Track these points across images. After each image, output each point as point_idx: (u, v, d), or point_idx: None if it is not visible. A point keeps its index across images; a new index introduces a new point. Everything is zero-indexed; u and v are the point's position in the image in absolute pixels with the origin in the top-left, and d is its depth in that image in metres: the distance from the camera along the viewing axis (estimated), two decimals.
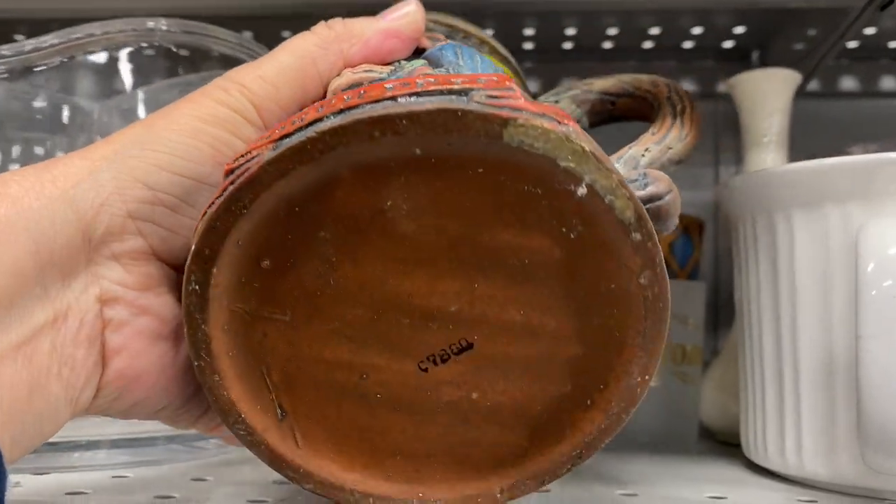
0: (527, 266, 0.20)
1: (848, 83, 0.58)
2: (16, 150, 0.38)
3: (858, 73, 0.57)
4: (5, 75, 0.32)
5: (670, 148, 0.25)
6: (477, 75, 0.19)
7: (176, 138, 0.21)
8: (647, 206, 0.21)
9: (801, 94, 0.45)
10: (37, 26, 0.52)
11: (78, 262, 0.20)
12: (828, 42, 0.49)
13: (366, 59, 0.23)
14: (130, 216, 0.20)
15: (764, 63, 0.56)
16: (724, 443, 0.42)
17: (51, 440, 0.33)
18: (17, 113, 0.36)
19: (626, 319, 0.20)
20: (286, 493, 0.28)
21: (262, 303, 0.20)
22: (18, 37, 0.54)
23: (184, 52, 0.36)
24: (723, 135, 0.57)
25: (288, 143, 0.18)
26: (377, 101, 0.18)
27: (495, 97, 0.18)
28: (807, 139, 0.50)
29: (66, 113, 0.37)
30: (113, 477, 0.32)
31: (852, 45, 0.55)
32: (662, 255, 0.20)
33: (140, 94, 0.38)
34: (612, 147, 0.26)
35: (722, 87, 0.57)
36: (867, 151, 0.47)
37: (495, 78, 0.19)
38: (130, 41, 0.32)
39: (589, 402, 0.21)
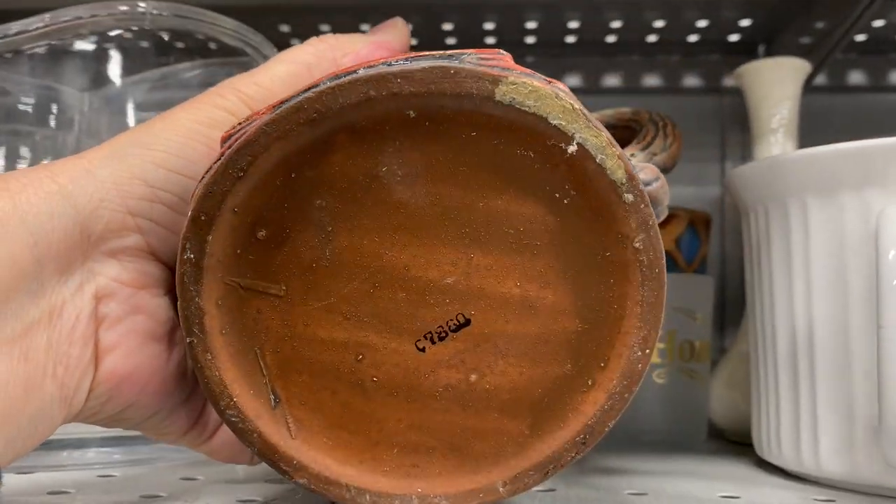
0: (522, 235, 0.20)
1: (856, 77, 0.57)
2: (1, 143, 0.37)
3: (866, 67, 0.56)
4: None
5: (655, 154, 0.26)
6: (470, 51, 0.19)
7: (173, 138, 0.21)
8: None
9: (808, 88, 0.44)
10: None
11: (75, 257, 0.20)
12: (835, 35, 0.48)
13: None
14: (129, 213, 0.20)
15: (770, 56, 0.55)
16: (733, 441, 0.41)
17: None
18: (2, 104, 0.36)
19: (623, 289, 0.20)
20: (278, 492, 0.27)
21: (257, 276, 0.20)
22: None
23: (178, 44, 0.35)
24: (729, 130, 0.56)
25: (286, 105, 0.19)
26: (372, 66, 0.19)
27: (486, 59, 0.19)
28: (814, 134, 0.49)
29: (52, 105, 0.36)
30: (99, 476, 0.31)
31: (860, 38, 0.54)
32: (655, 217, 0.20)
33: (129, 85, 0.37)
34: None
35: (728, 82, 0.56)
36: None
37: (487, 50, 0.19)
38: (120, 25, 0.31)
39: (590, 381, 0.21)
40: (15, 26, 0.30)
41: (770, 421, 0.32)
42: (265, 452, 0.21)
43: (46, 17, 0.30)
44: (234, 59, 0.36)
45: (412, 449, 0.21)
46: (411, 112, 0.19)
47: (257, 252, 0.20)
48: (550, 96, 0.19)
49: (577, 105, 0.19)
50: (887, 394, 0.25)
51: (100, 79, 0.37)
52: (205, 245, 0.19)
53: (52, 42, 0.31)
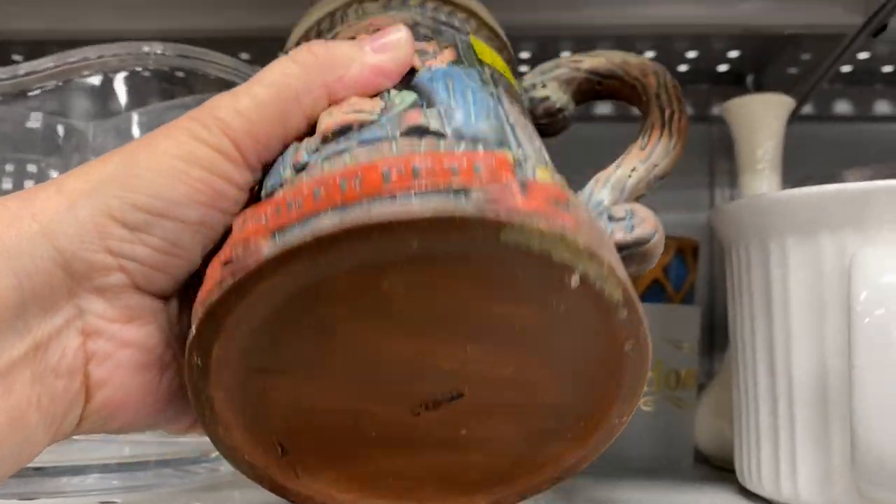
0: (518, 332, 0.20)
1: (842, 107, 0.58)
2: (9, 170, 0.38)
3: (852, 97, 0.58)
4: None
5: (656, 165, 0.25)
6: (474, 161, 0.19)
7: (154, 178, 0.20)
8: (632, 249, 0.22)
9: (795, 117, 0.45)
10: (34, 48, 0.52)
11: (60, 295, 0.20)
12: (822, 66, 0.49)
13: (352, 94, 0.22)
14: (111, 253, 0.20)
15: (759, 86, 0.57)
16: (719, 468, 0.42)
17: (38, 465, 0.33)
18: (10, 133, 0.36)
19: (609, 376, 0.21)
20: None
21: (263, 363, 0.20)
22: (16, 57, 0.54)
23: (179, 74, 0.36)
24: (718, 157, 0.57)
25: (285, 241, 0.18)
26: (375, 197, 0.18)
27: (493, 199, 0.18)
28: (801, 163, 0.50)
29: (60, 133, 0.37)
30: (101, 502, 0.31)
31: (846, 69, 0.55)
32: (646, 323, 0.20)
33: (135, 116, 0.38)
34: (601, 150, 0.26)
35: (716, 110, 0.57)
36: (861, 176, 0.47)
37: (494, 162, 0.19)
38: (125, 65, 0.32)
39: (570, 436, 0.22)
40: (24, 67, 0.31)
41: (751, 451, 0.33)
42: (275, 490, 0.22)
43: (54, 58, 0.31)
44: None
45: (407, 477, 0.23)
46: (415, 245, 0.18)
47: (262, 347, 0.20)
48: (556, 238, 0.18)
49: (583, 241, 0.19)
50: (860, 430, 0.26)
51: (106, 109, 0.38)
52: (211, 352, 0.20)
53: (60, 83, 0.32)
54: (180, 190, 0.20)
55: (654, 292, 0.45)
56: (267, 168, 0.21)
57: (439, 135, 0.20)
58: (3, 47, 0.53)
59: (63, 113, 0.37)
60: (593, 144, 0.57)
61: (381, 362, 0.21)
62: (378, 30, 0.23)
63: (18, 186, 0.38)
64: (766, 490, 0.32)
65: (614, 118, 0.58)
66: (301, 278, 0.18)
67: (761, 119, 0.41)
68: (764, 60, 0.55)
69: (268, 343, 0.20)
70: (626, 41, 0.51)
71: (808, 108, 0.57)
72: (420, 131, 0.20)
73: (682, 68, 0.55)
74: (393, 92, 0.22)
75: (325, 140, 0.21)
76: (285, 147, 0.21)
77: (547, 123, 0.27)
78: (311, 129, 0.22)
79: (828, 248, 0.30)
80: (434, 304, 0.20)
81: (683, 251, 0.47)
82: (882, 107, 0.58)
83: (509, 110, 0.23)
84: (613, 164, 0.25)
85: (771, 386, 0.32)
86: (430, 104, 0.21)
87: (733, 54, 0.54)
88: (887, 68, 0.56)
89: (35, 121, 0.36)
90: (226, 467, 0.37)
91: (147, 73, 0.36)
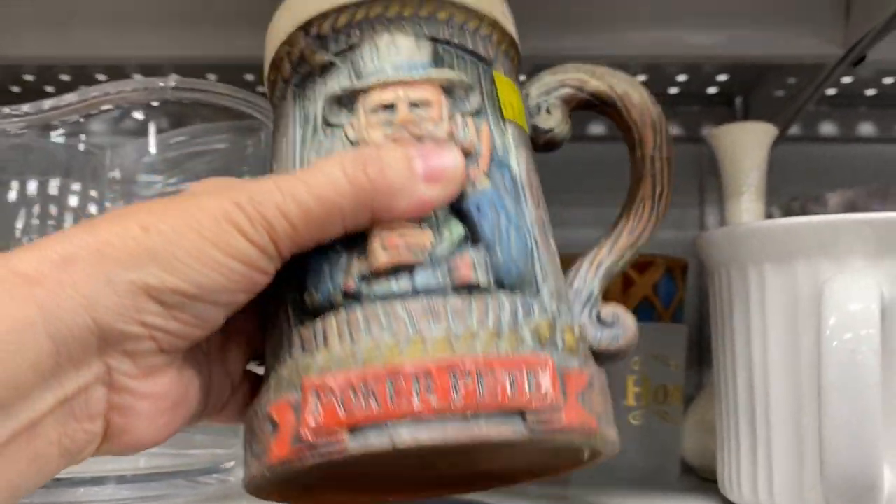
0: (521, 453, 0.24)
1: (827, 128, 0.60)
2: (32, 188, 0.40)
3: (837, 119, 0.60)
4: (24, 131, 0.34)
5: (636, 250, 0.27)
6: (527, 374, 0.21)
7: (194, 265, 0.21)
8: (613, 356, 0.25)
9: (782, 138, 0.47)
10: (43, 72, 0.55)
11: (91, 355, 0.21)
12: (807, 91, 0.51)
13: (400, 219, 0.23)
14: (144, 326, 0.22)
15: (747, 108, 0.59)
16: (705, 479, 0.44)
17: (57, 476, 0.35)
18: (33, 157, 0.38)
19: (582, 462, 0.24)
20: None
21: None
22: (27, 77, 0.56)
23: (189, 102, 0.38)
24: (707, 177, 0.59)
25: (366, 444, 0.20)
26: (446, 413, 0.20)
27: (544, 421, 0.21)
28: (787, 183, 0.52)
29: (79, 157, 0.39)
30: None
31: (831, 92, 0.57)
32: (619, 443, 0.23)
33: (151, 139, 0.40)
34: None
35: (706, 131, 0.59)
36: (844, 197, 0.49)
37: (548, 375, 0.21)
38: (143, 99, 0.34)
39: (537, 471, 0.26)
40: (48, 103, 0.33)
41: (732, 463, 0.35)
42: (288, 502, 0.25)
43: (77, 93, 0.33)
44: (247, 123, 0.39)
45: (397, 484, 0.27)
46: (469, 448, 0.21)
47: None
48: (584, 439, 0.22)
49: (600, 433, 0.22)
50: (828, 447, 0.28)
51: (122, 133, 0.40)
52: (275, 479, 0.22)
53: (81, 118, 0.34)
54: (217, 280, 0.22)
55: (644, 310, 0.47)
56: (297, 255, 0.22)
57: (485, 290, 0.22)
58: (13, 70, 0.55)
59: (82, 136, 0.39)
60: (587, 164, 0.59)
61: (401, 466, 0.24)
62: (420, 104, 0.23)
63: (44, 203, 0.40)
64: (745, 500, 0.34)
65: (607, 138, 0.60)
66: (368, 458, 0.21)
67: (745, 147, 0.43)
68: (752, 84, 0.57)
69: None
70: (619, 65, 0.52)
71: (794, 130, 0.59)
72: (470, 288, 0.22)
73: (673, 91, 0.57)
74: (441, 215, 0.23)
75: (377, 273, 0.22)
76: (321, 245, 0.23)
77: (545, 149, 0.28)
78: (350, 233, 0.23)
79: (802, 275, 0.32)
80: (459, 454, 0.23)
81: (673, 270, 0.48)
82: (866, 128, 0.60)
83: (535, 217, 0.24)
84: (605, 248, 0.27)
85: (749, 403, 0.34)
86: (475, 240, 0.23)
87: (722, 78, 0.56)
88: (870, 91, 0.58)
89: (56, 144, 0.38)
90: (236, 478, 0.39)
91: (162, 104, 0.38)
